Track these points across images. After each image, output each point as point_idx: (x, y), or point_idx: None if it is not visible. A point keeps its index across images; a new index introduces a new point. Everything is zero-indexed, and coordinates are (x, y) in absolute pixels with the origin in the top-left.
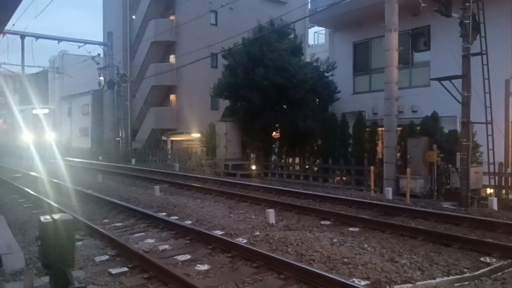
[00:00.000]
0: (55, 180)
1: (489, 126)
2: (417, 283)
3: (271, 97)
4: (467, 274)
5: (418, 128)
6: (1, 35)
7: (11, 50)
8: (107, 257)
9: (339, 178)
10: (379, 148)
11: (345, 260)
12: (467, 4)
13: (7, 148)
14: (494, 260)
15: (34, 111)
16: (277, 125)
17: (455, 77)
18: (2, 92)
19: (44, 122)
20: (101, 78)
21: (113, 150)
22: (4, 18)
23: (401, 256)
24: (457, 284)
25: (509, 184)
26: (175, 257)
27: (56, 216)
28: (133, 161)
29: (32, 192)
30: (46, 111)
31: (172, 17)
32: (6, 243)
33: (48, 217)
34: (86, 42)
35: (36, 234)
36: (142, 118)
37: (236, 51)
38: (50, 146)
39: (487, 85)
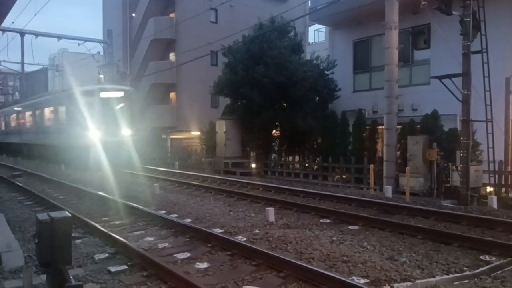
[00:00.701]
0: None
1: (489, 124)
2: (417, 281)
3: (271, 95)
4: (467, 273)
5: (418, 126)
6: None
7: (10, 48)
8: (106, 255)
9: (338, 176)
10: (379, 146)
11: (345, 258)
12: (468, 2)
13: (62, 150)
14: (493, 258)
15: (103, 94)
16: (277, 123)
17: (455, 75)
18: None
19: (118, 110)
20: (101, 76)
21: None
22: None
23: (400, 254)
24: (457, 283)
25: (509, 183)
26: (175, 255)
27: (53, 214)
28: None
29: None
30: (121, 93)
31: (172, 15)
32: (6, 241)
33: (45, 215)
34: (86, 40)
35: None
36: (142, 116)
37: (236, 48)
38: (126, 147)
39: (487, 83)
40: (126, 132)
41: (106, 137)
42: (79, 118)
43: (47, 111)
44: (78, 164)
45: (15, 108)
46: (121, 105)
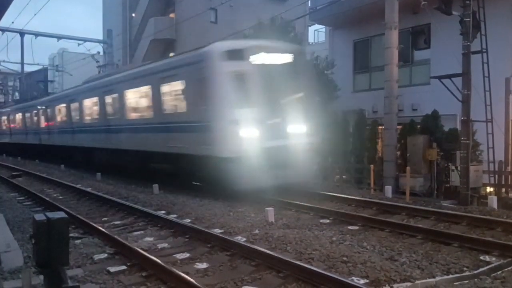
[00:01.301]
0: None
1: (489, 124)
2: (417, 281)
3: None
4: (467, 273)
5: (418, 126)
6: None
7: (10, 48)
8: (105, 255)
9: (338, 176)
10: (379, 146)
11: (344, 258)
12: (468, 1)
13: (176, 162)
14: (493, 258)
15: (259, 58)
16: None
17: (455, 75)
18: None
19: (286, 89)
20: None
21: None
22: None
23: (400, 255)
24: (457, 283)
25: (509, 183)
26: (174, 255)
27: (50, 215)
28: None
29: None
30: (289, 57)
31: (171, 15)
32: (5, 241)
33: (42, 215)
34: (85, 40)
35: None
36: None
37: None
38: (301, 159)
39: (487, 83)
40: (299, 129)
41: (267, 140)
42: (214, 103)
43: (135, 94)
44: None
45: (65, 95)
46: (291, 78)
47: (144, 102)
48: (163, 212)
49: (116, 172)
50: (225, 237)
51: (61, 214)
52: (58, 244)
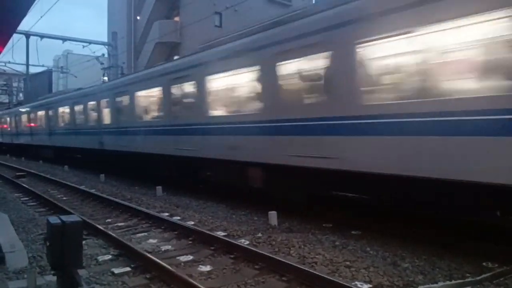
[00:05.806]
0: None
1: None
2: (419, 287)
3: None
4: (469, 279)
5: None
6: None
7: (16, 49)
8: (110, 256)
9: None
10: None
11: (348, 263)
12: None
13: None
14: (496, 265)
15: None
16: None
17: None
18: None
19: None
20: (105, 78)
21: None
22: (15, 21)
23: (403, 260)
24: None
25: None
26: (178, 257)
27: (64, 218)
28: None
29: None
30: None
31: (176, 18)
32: (10, 241)
33: (57, 218)
34: (90, 42)
35: (43, 232)
36: None
37: None
38: None
39: None
40: None
41: None
42: None
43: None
44: None
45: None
46: None
47: None
48: (167, 214)
49: (119, 174)
50: (228, 240)
51: (75, 217)
52: (72, 247)
